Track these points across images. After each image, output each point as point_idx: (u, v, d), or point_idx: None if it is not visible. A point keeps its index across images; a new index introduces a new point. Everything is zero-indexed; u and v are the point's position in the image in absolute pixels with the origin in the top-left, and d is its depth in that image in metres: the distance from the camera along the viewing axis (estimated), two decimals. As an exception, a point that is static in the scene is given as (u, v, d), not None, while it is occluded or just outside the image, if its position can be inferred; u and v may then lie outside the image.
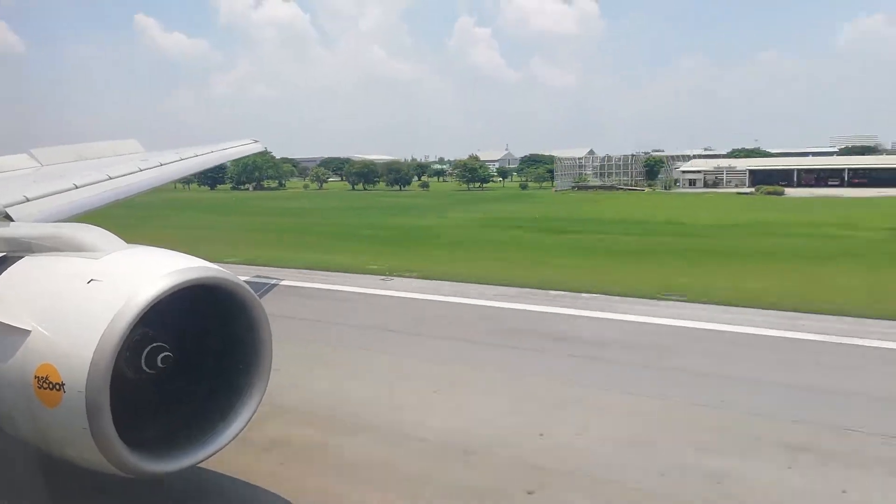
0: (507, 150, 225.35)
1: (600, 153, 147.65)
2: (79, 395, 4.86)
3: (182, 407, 6.20)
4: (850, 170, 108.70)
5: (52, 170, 11.46)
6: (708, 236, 38.71)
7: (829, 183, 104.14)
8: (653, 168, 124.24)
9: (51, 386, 4.96)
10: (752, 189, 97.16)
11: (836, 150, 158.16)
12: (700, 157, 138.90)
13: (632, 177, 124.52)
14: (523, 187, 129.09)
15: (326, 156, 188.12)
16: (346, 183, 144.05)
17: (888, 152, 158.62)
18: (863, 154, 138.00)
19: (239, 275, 6.19)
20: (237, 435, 6.08)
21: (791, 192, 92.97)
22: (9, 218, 7.20)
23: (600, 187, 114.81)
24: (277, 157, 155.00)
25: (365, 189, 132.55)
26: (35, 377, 5.02)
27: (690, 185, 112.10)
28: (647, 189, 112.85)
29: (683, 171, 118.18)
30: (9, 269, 5.91)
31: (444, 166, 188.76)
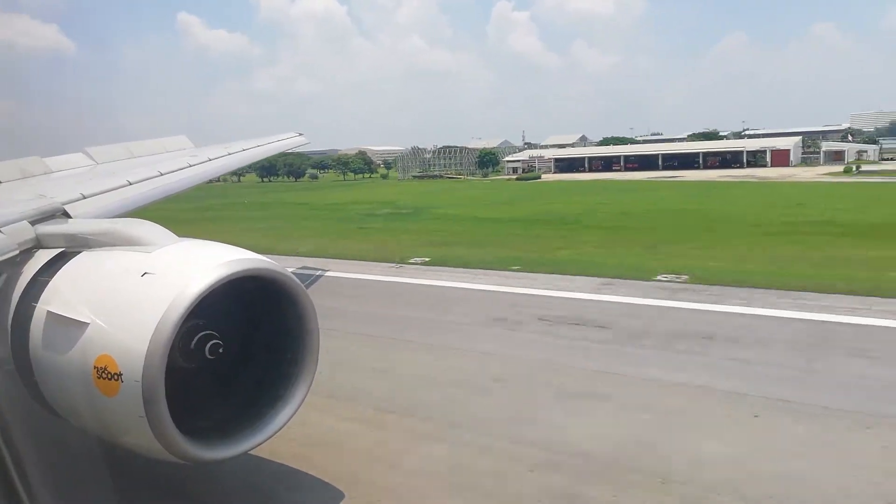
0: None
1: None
2: (135, 385, 5.03)
3: (233, 395, 6.37)
4: (625, 156, 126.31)
5: (107, 167, 11.82)
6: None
7: (614, 168, 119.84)
8: (483, 159, 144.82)
9: (109, 376, 5.14)
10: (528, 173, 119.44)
11: (684, 136, 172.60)
12: (553, 146, 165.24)
13: (465, 167, 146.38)
14: (384, 177, 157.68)
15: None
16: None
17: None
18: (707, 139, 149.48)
19: (286, 266, 6.30)
20: (287, 422, 6.21)
21: (559, 176, 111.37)
22: (67, 215, 7.44)
23: (433, 175, 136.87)
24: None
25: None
26: (94, 367, 5.20)
27: (513, 172, 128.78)
28: (464, 177, 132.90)
29: (508, 161, 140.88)
30: (67, 264, 6.13)
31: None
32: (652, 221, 35.78)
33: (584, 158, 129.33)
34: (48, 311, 5.65)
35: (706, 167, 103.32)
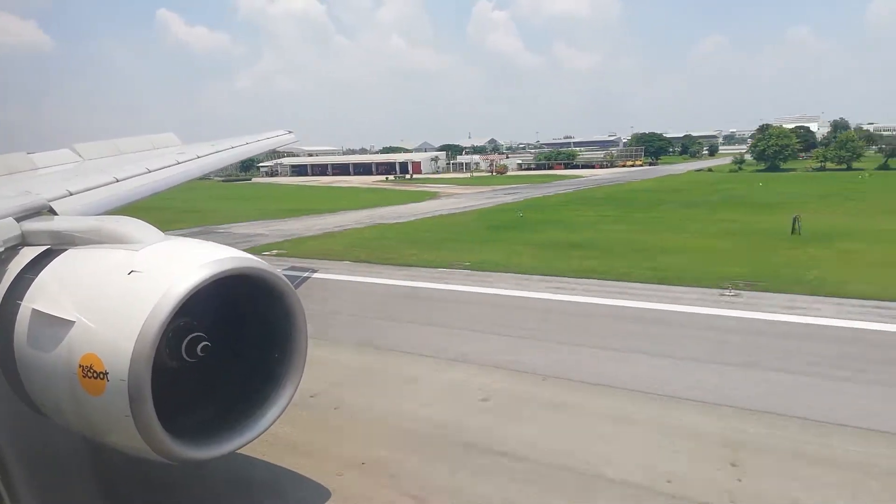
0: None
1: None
2: (121, 384, 4.99)
3: (221, 394, 6.33)
4: (331, 164, 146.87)
5: (94, 164, 11.73)
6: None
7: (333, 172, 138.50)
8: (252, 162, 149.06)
9: (95, 375, 5.10)
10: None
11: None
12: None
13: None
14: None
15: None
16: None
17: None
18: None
19: (274, 265, 6.27)
20: (274, 422, 6.19)
21: (282, 179, 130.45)
22: (53, 212, 7.38)
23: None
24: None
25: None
26: (79, 366, 5.16)
27: (267, 174, 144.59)
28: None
29: (259, 166, 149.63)
30: (53, 261, 6.07)
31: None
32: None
33: (306, 166, 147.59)
34: (33, 309, 5.60)
35: (378, 173, 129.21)
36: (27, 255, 6.35)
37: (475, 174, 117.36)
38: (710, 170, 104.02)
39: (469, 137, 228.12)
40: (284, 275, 6.23)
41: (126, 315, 5.18)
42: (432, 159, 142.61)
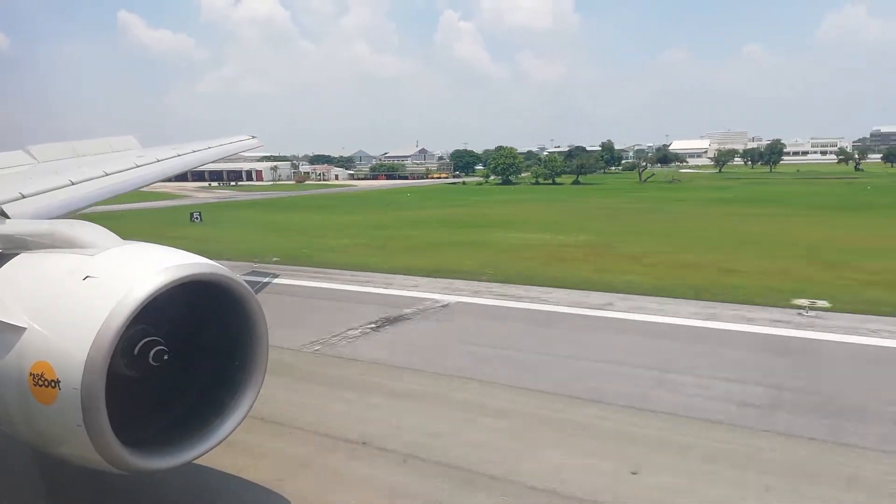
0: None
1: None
2: (74, 392, 4.84)
3: (178, 403, 6.20)
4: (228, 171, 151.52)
5: (49, 166, 11.40)
6: None
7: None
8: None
9: (46, 383, 4.94)
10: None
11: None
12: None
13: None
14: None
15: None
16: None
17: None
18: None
19: (235, 271, 6.17)
20: (233, 431, 6.08)
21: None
22: (4, 215, 7.17)
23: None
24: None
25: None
26: (30, 374, 5.00)
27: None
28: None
29: None
30: (4, 266, 5.89)
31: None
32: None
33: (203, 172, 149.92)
34: None
35: (229, 180, 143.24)
36: None
37: (277, 182, 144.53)
38: (463, 183, 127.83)
39: (343, 148, 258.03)
40: (245, 280, 6.14)
41: (80, 321, 5.04)
42: (272, 168, 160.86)
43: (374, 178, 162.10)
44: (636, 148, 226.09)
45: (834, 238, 31.47)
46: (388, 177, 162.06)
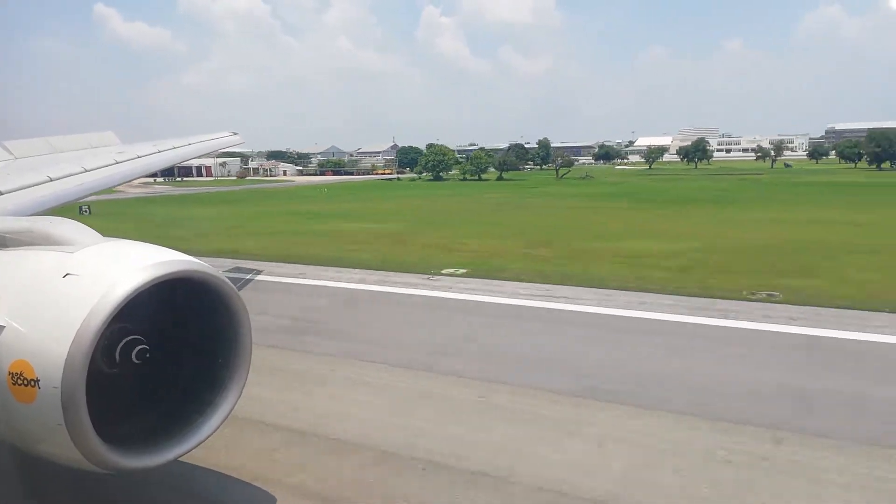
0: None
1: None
2: (54, 391, 4.79)
3: (160, 402, 6.15)
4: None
5: (26, 162, 11.27)
6: None
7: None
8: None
9: (25, 382, 4.88)
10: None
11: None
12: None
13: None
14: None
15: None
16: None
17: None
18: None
19: (217, 268, 6.13)
20: (216, 430, 6.04)
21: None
22: (-19, 211, 7.06)
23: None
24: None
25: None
26: (9, 373, 4.93)
27: None
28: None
29: None
30: None
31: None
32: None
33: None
34: None
35: (178, 176, 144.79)
36: None
37: (219, 178, 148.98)
38: (398, 179, 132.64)
39: (315, 144, 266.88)
40: (228, 277, 6.10)
41: (60, 319, 4.97)
42: (221, 164, 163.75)
43: (322, 174, 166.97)
44: (604, 143, 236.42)
45: (597, 225, 38.01)
46: (335, 173, 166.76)
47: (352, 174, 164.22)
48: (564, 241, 29.95)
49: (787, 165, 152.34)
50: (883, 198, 55.84)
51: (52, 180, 9.12)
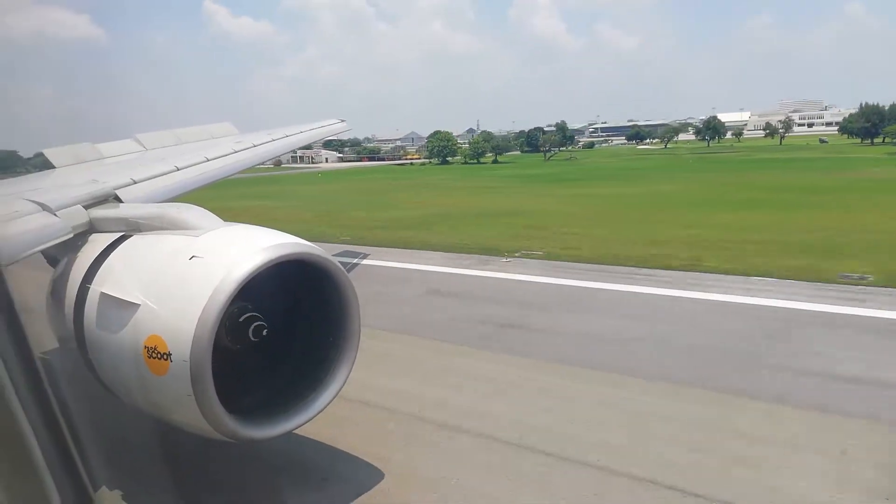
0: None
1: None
2: (184, 364, 5.17)
3: (277, 376, 6.50)
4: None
5: (156, 153, 12.10)
6: None
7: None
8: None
9: (159, 355, 5.30)
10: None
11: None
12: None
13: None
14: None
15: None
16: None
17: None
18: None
19: (329, 251, 6.39)
20: (328, 404, 6.32)
21: None
22: (118, 199, 7.66)
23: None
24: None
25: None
26: (144, 347, 5.37)
27: None
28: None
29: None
30: (119, 247, 6.32)
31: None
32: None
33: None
34: (101, 293, 5.84)
35: None
36: (95, 240, 6.62)
37: (258, 166, 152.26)
38: (411, 164, 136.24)
39: (397, 130, 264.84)
40: (338, 261, 6.33)
41: (187, 298, 5.36)
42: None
43: (359, 160, 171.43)
44: (672, 121, 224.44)
45: (405, 200, 43.46)
46: (370, 159, 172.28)
47: (383, 160, 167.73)
48: (342, 212, 36.59)
49: (822, 141, 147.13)
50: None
51: (178, 169, 9.76)
